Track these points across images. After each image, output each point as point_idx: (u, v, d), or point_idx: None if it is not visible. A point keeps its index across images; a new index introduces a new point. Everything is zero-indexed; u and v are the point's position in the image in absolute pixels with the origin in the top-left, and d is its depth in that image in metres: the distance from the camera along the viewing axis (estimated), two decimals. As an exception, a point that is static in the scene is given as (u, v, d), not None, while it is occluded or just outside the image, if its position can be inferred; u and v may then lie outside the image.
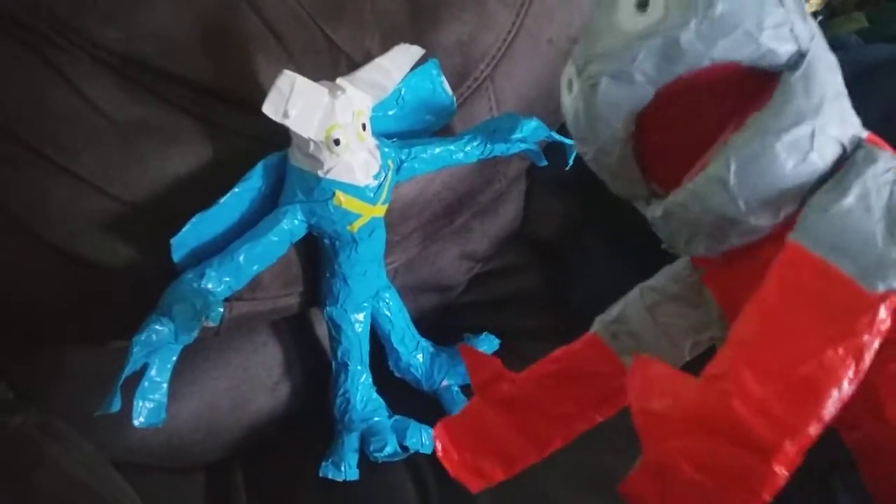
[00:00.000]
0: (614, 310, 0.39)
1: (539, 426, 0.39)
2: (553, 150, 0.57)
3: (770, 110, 0.29)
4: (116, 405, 0.41)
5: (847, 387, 0.26)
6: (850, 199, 0.28)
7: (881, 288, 0.27)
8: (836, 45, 0.32)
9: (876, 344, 0.27)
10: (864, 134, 0.31)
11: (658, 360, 0.29)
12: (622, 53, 0.30)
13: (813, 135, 0.29)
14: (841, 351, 0.26)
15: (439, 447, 0.40)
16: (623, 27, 0.31)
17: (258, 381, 0.57)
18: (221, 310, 0.45)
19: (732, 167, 0.29)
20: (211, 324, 0.43)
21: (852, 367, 0.26)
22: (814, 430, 0.26)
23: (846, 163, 0.30)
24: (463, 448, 0.40)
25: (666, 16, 0.29)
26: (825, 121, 0.29)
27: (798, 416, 0.26)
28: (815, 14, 0.72)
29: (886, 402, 0.30)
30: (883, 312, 0.27)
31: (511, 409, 0.40)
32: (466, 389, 0.58)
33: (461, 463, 0.40)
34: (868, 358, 0.27)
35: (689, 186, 0.31)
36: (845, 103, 0.31)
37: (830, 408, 0.26)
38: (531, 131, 0.53)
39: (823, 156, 0.29)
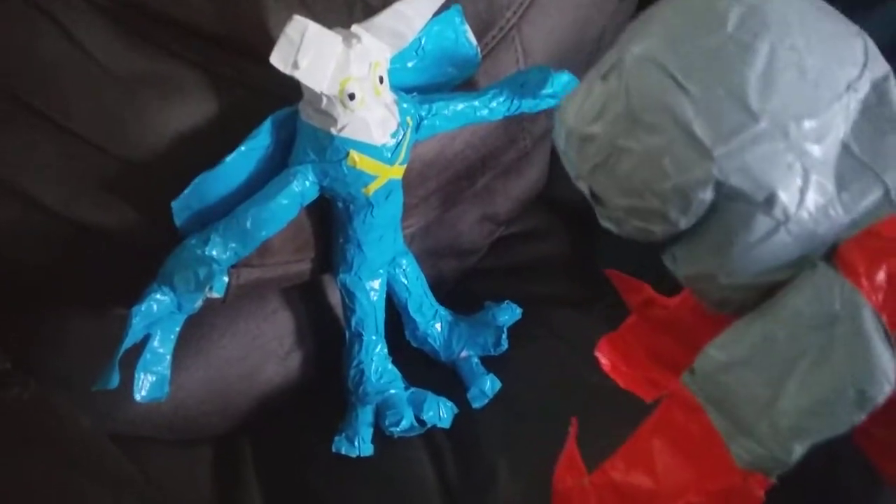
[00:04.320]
0: None
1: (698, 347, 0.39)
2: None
3: None
4: (115, 380, 0.39)
5: None
6: None
7: None
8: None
9: None
10: None
11: None
12: None
13: None
14: None
15: (607, 363, 0.41)
16: None
17: (268, 350, 0.55)
18: (226, 279, 0.43)
19: None
20: (215, 295, 0.41)
21: None
22: None
23: None
24: (631, 362, 0.41)
25: None
26: None
27: None
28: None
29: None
30: None
31: (670, 330, 0.41)
32: (486, 360, 0.55)
33: (632, 376, 0.40)
34: None
35: None
36: None
37: None
38: (563, 86, 0.50)
39: None
